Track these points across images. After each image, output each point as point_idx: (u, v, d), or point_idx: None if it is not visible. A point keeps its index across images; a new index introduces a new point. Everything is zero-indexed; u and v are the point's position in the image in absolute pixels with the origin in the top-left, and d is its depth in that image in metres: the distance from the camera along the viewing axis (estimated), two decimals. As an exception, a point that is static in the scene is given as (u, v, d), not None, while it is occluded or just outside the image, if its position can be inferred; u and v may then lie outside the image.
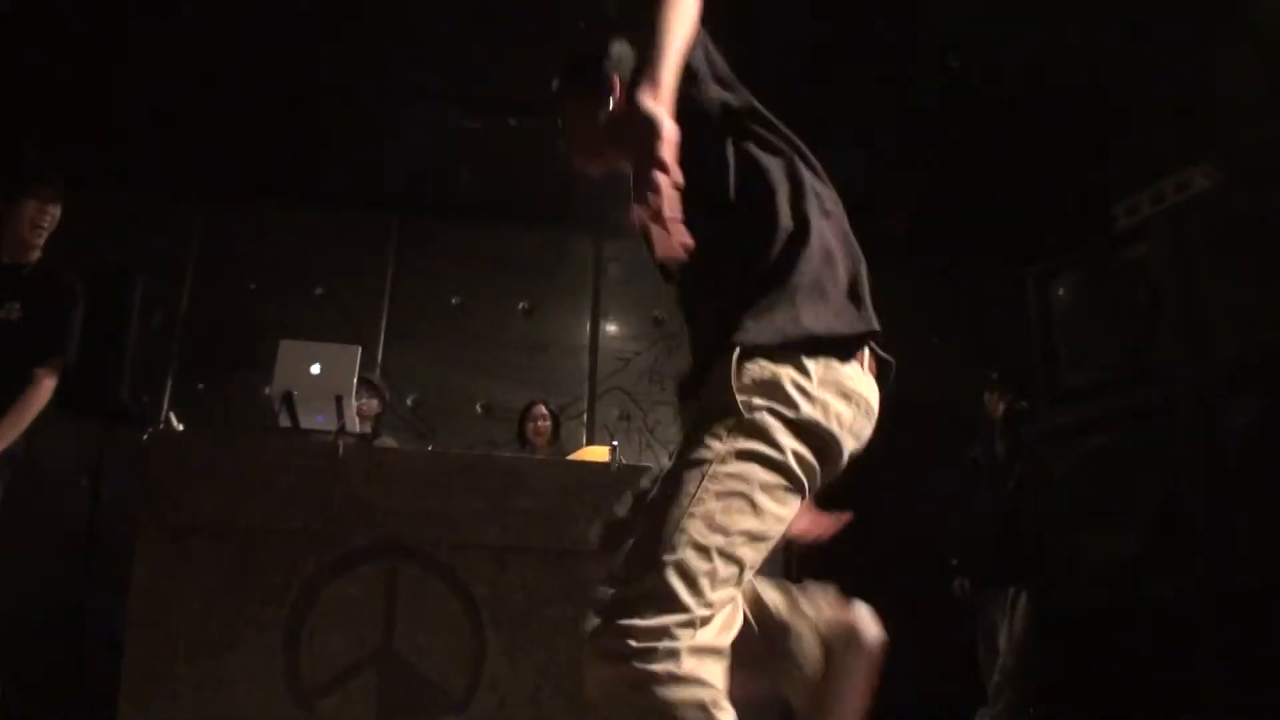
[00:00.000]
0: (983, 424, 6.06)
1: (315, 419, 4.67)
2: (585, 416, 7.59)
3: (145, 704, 4.03)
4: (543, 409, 6.52)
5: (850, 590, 6.80)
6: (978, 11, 5.49)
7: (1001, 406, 5.96)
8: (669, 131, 1.81)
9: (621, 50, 2.43)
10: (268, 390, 4.73)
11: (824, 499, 2.38)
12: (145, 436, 4.45)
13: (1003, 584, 5.64)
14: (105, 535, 5.55)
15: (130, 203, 7.23)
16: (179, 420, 4.57)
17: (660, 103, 1.85)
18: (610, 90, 2.42)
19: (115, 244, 7.05)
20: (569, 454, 6.32)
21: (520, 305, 7.76)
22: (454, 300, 7.65)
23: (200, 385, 7.11)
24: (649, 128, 1.81)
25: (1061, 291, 5.71)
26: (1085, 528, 5.17)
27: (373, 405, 6.06)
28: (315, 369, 4.69)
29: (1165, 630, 4.78)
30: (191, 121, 6.66)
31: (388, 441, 6.17)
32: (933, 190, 7.05)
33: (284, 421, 4.71)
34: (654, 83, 1.87)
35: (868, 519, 7.06)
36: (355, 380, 4.75)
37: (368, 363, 6.23)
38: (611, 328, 7.86)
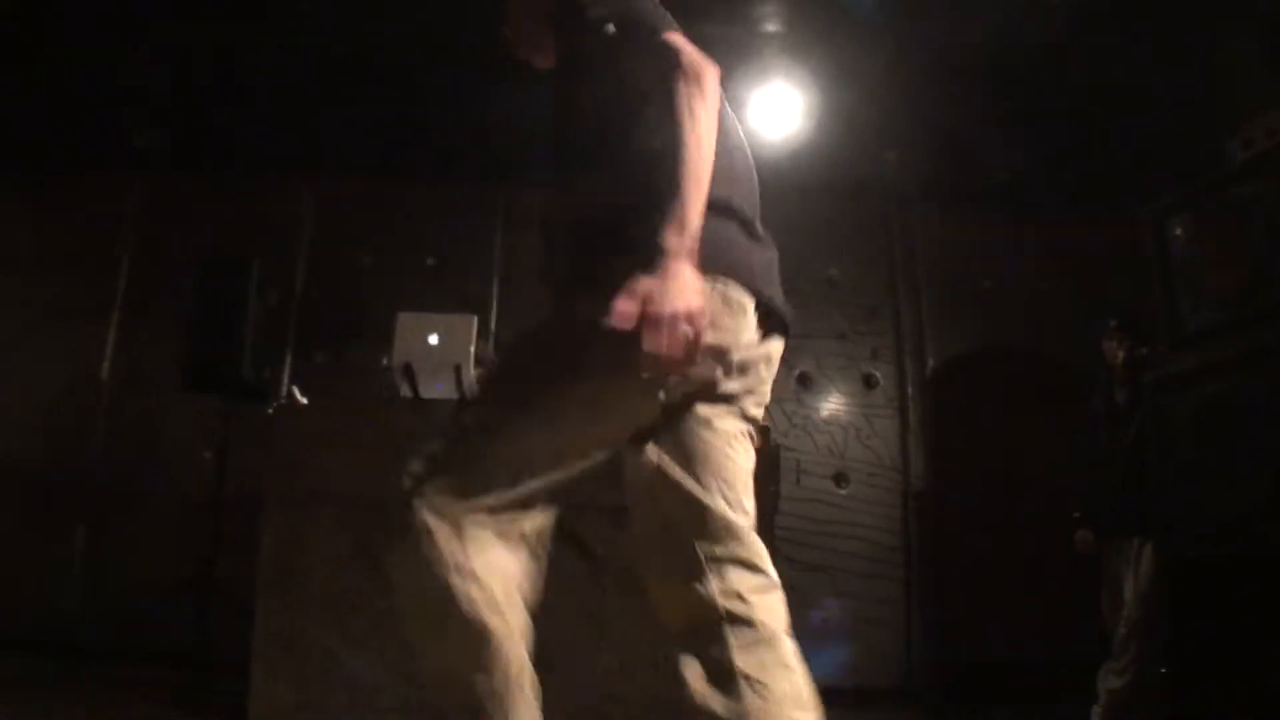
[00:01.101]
0: (1102, 372, 5.92)
1: (435, 388, 4.73)
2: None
3: (276, 668, 4.15)
4: None
5: (969, 546, 6.73)
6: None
7: (1121, 354, 5.81)
8: (696, 300, 1.87)
9: None
10: (386, 361, 4.81)
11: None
12: (271, 410, 4.55)
13: (1127, 535, 5.52)
14: (231, 507, 5.70)
15: (242, 182, 7.40)
16: (302, 393, 4.67)
17: (687, 253, 1.89)
18: None
19: (229, 224, 7.23)
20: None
21: (629, 268, 7.76)
22: (563, 266, 7.68)
23: (318, 359, 7.25)
24: (680, 290, 1.85)
25: (1178, 231, 5.54)
26: (1208, 475, 5.02)
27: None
28: (433, 339, 4.75)
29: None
30: (298, 100, 6.74)
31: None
32: (1040, 136, 6.89)
33: (405, 392, 4.78)
34: (681, 228, 1.91)
35: (987, 472, 7.00)
36: (472, 349, 4.80)
37: (480, 331, 6.28)
38: (720, 288, 7.82)
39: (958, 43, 5.99)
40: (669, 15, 2.20)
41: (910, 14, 5.84)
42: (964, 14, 5.78)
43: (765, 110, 6.58)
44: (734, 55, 6.23)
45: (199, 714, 4.90)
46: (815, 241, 7.85)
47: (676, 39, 2.10)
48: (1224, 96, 5.96)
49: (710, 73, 2.10)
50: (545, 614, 4.29)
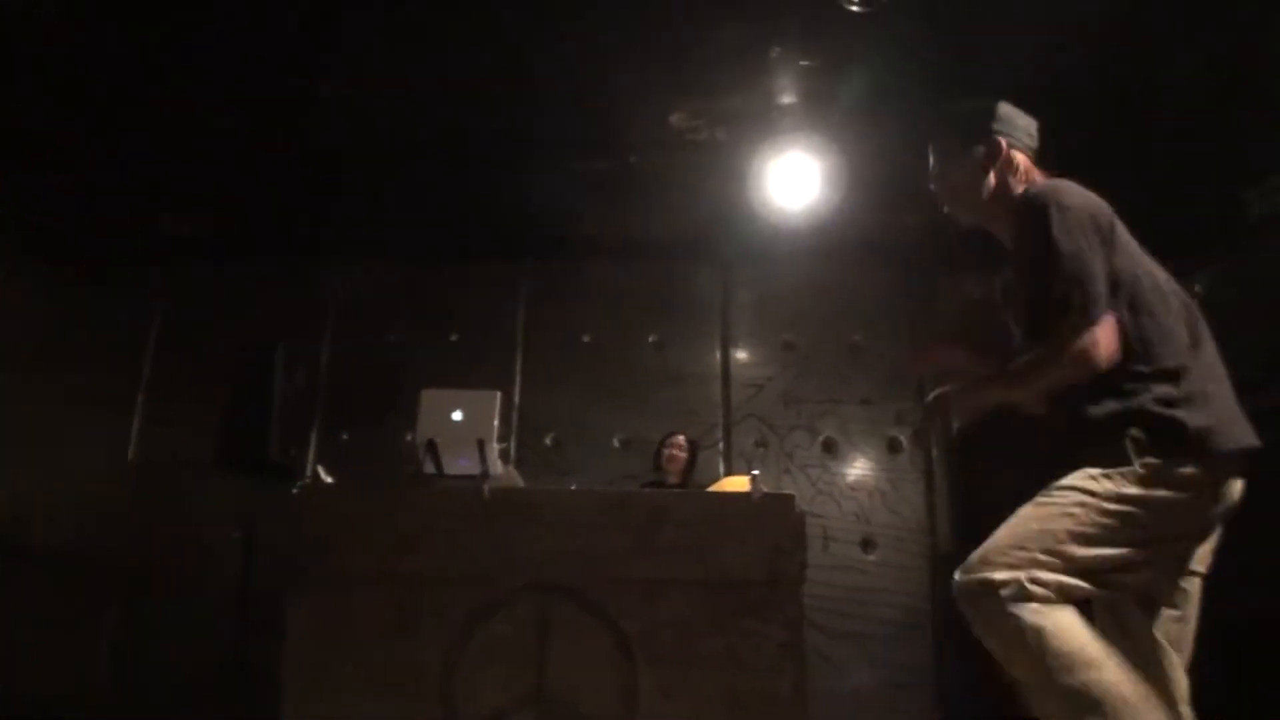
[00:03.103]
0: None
1: (459, 463, 4.73)
2: (721, 445, 7.59)
3: (307, 752, 4.13)
4: (681, 439, 6.57)
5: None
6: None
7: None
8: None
9: (1008, 113, 2.93)
10: (409, 437, 4.82)
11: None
12: (295, 490, 4.56)
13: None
14: (259, 588, 5.71)
15: (266, 266, 7.49)
16: (327, 472, 4.68)
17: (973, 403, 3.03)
18: (997, 151, 2.87)
19: (255, 307, 7.31)
20: (703, 486, 6.33)
21: (650, 338, 7.81)
22: (585, 338, 7.73)
23: (344, 436, 7.29)
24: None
25: (1197, 288, 5.53)
26: (1253, 531, 4.95)
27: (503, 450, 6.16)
28: (457, 415, 4.75)
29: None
30: (319, 184, 6.84)
31: (511, 474, 6.24)
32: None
33: (429, 468, 4.78)
34: (981, 392, 2.98)
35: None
36: (496, 423, 4.81)
37: (505, 405, 6.31)
38: (742, 355, 7.85)
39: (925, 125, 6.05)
40: (1101, 298, 2.59)
41: (930, 79, 5.89)
42: (982, 83, 5.82)
43: (785, 179, 6.61)
44: (754, 125, 6.30)
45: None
46: (839, 307, 7.89)
47: (1087, 338, 2.57)
48: (1242, 145, 5.98)
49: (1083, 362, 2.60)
50: (573, 694, 4.30)
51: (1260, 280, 5.29)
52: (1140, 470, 2.50)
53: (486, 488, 4.44)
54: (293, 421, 6.17)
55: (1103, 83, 5.89)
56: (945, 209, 3.06)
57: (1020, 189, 2.84)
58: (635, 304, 7.86)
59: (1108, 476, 2.54)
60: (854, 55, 5.79)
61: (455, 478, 4.75)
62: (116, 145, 6.44)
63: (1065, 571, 2.51)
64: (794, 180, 6.63)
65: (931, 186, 3.04)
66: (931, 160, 3.03)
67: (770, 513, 4.53)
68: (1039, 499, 2.66)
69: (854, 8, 5.22)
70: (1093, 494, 2.54)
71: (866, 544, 7.38)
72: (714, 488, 5.50)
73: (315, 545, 4.36)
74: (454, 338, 7.60)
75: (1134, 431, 2.53)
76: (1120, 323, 2.60)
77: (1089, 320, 2.53)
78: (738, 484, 4.99)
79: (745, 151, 6.49)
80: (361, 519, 4.38)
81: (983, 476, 7.47)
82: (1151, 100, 6.03)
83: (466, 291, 7.70)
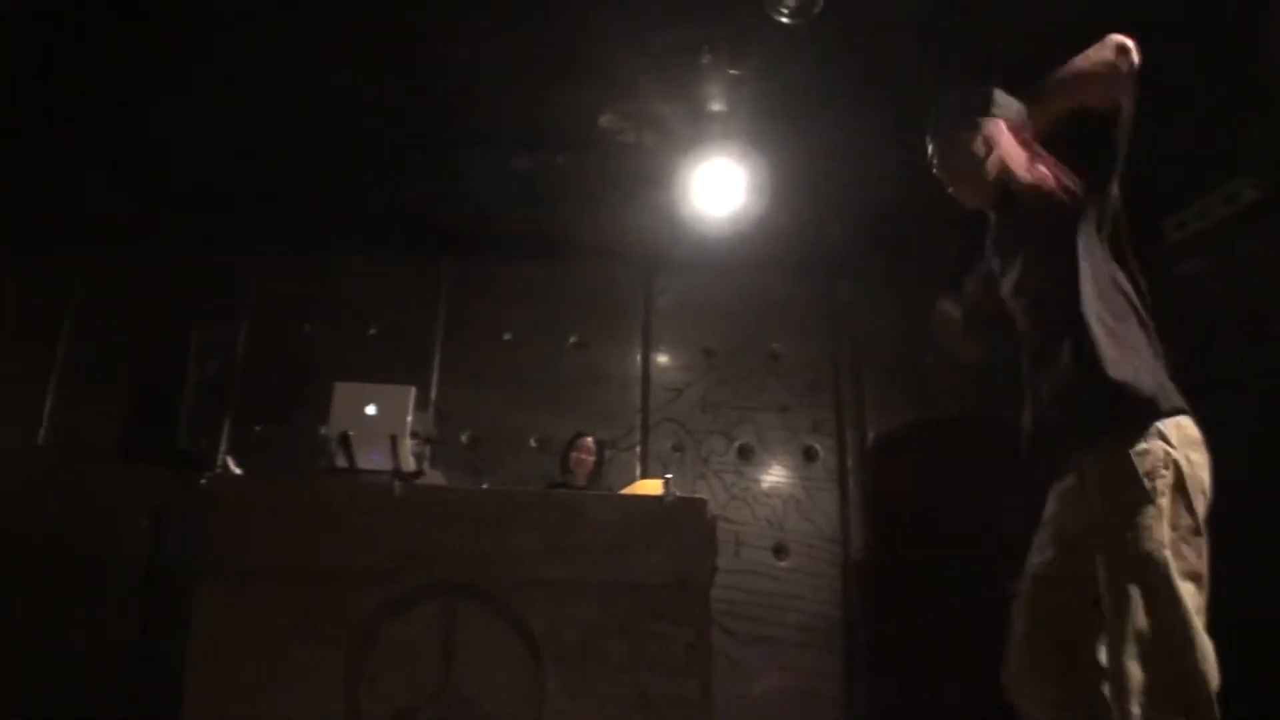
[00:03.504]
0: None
1: (371, 459, 4.70)
2: (639, 448, 7.60)
3: (207, 747, 4.07)
4: (589, 442, 6.55)
5: (908, 617, 6.72)
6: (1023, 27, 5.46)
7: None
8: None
9: (1005, 100, 3.04)
10: (323, 431, 4.78)
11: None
12: (203, 481, 4.50)
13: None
14: (165, 579, 5.62)
15: (184, 251, 7.35)
16: (236, 464, 4.63)
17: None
18: (998, 133, 2.99)
19: (173, 293, 7.18)
20: (614, 487, 6.33)
21: (572, 339, 7.80)
22: (506, 336, 7.70)
23: (257, 428, 7.19)
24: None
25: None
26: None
27: (422, 452, 6.11)
28: (370, 410, 4.73)
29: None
30: (243, 168, 6.75)
31: (436, 476, 6.20)
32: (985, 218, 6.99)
33: (341, 462, 4.75)
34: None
35: (926, 544, 7.02)
36: (410, 419, 4.79)
37: (421, 401, 6.26)
38: (662, 359, 7.87)
39: (907, 123, 6.10)
40: None
41: (857, 92, 5.95)
42: (913, 93, 5.89)
43: (711, 187, 6.63)
44: (680, 133, 6.32)
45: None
46: (759, 315, 7.95)
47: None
48: (1161, 174, 6.10)
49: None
50: (479, 694, 4.28)
51: (1170, 307, 5.41)
52: None
53: (397, 484, 4.41)
54: (205, 411, 6.09)
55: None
56: (950, 192, 3.14)
57: (1023, 170, 2.97)
58: (558, 304, 7.85)
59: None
60: (783, 66, 5.82)
61: (367, 472, 4.72)
62: (33, 125, 6.31)
63: None
64: (720, 188, 6.65)
65: (935, 173, 3.13)
66: (931, 149, 3.12)
67: (682, 516, 4.55)
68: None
69: (784, 19, 5.25)
70: None
71: (779, 550, 7.42)
72: (628, 490, 5.51)
73: (222, 537, 4.30)
74: (373, 331, 7.53)
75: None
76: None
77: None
78: (651, 487, 5.00)
79: (673, 157, 6.50)
80: (269, 512, 4.33)
81: (896, 486, 7.56)
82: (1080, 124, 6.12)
83: (387, 285, 7.63)
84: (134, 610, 5.70)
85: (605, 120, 6.33)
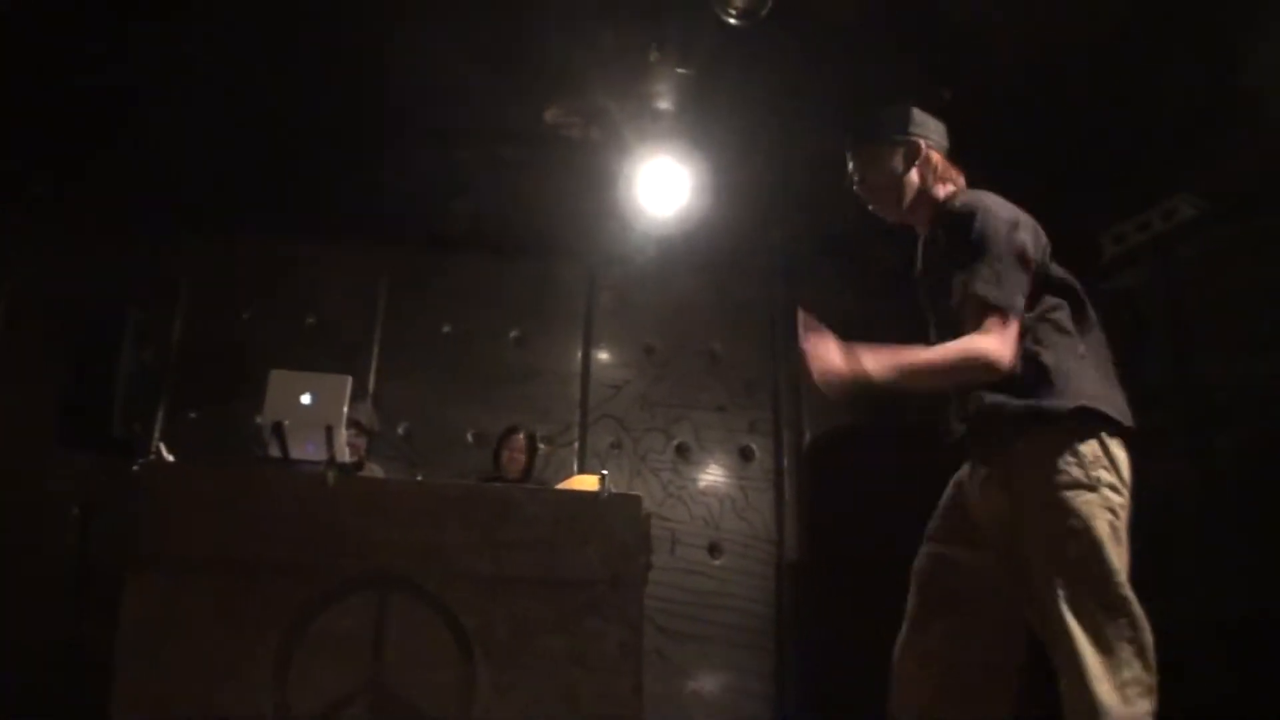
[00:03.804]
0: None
1: (305, 449, 4.67)
2: (576, 444, 7.60)
3: (136, 738, 4.03)
4: (520, 439, 6.52)
5: (842, 618, 6.74)
6: (969, 42, 5.51)
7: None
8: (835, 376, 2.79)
9: (923, 119, 3.12)
10: (259, 420, 4.74)
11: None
12: (135, 468, 4.46)
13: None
14: (97, 567, 5.53)
15: (122, 234, 7.24)
16: (169, 451, 4.58)
17: (873, 371, 2.79)
18: (916, 152, 3.05)
19: (108, 275, 7.06)
20: (550, 483, 6.32)
21: (512, 334, 7.78)
22: (445, 329, 7.66)
23: (192, 415, 7.11)
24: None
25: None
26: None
27: (360, 444, 6.08)
28: (306, 399, 4.69)
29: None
30: (184, 154, 6.66)
31: (374, 470, 6.17)
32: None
33: (274, 451, 4.71)
34: (886, 370, 2.79)
35: (862, 545, 7.08)
36: (345, 410, 4.76)
37: (359, 392, 6.22)
38: (603, 355, 7.87)
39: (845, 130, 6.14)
40: (1019, 300, 2.77)
41: (802, 96, 5.97)
42: (860, 98, 5.93)
43: (654, 184, 6.65)
44: (626, 130, 6.32)
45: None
46: (701, 315, 7.98)
47: (998, 338, 2.69)
48: (1102, 189, 6.18)
49: (997, 364, 2.69)
50: (409, 688, 4.27)
51: (1103, 320, 5.48)
52: None
53: (331, 474, 4.38)
54: (139, 396, 5.99)
55: (984, 120, 6.00)
56: (870, 208, 3.20)
57: (941, 188, 3.04)
58: (499, 298, 7.82)
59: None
60: (730, 68, 5.84)
61: (302, 462, 4.69)
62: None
63: None
64: (664, 187, 6.67)
65: (854, 188, 3.18)
66: (851, 164, 3.17)
67: (617, 513, 4.57)
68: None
69: (732, 20, 5.26)
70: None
71: (714, 549, 7.45)
72: (563, 485, 5.52)
73: (153, 526, 4.26)
74: (311, 320, 7.46)
75: None
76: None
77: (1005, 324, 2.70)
78: (587, 482, 5.01)
79: (618, 154, 6.50)
80: (201, 500, 4.30)
81: (831, 488, 7.62)
82: (1023, 137, 6.20)
83: (327, 275, 7.56)
84: (64, 600, 5.60)
85: (551, 115, 6.31)
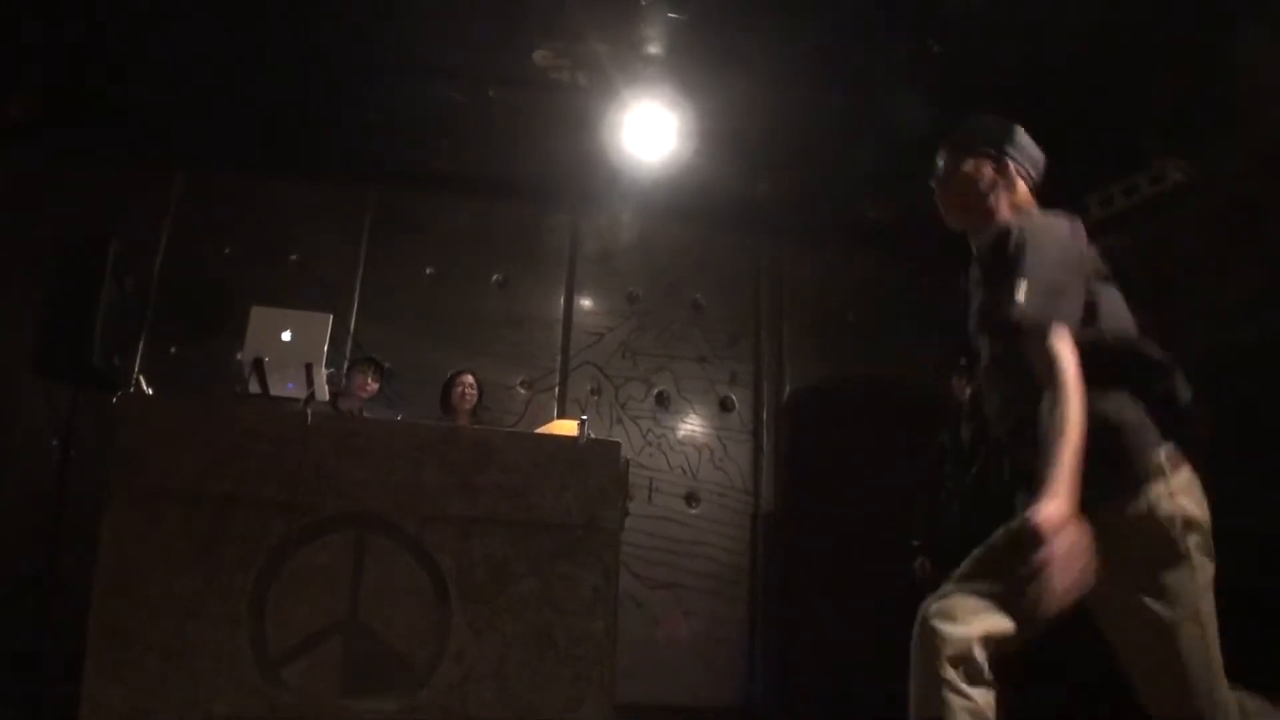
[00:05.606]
0: (950, 409, 6.07)
1: (285, 386, 4.67)
2: (557, 390, 7.61)
3: (111, 670, 4.04)
4: (469, 379, 6.47)
5: (815, 568, 6.80)
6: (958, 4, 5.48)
7: (968, 391, 5.96)
8: (1060, 548, 2.28)
9: (1025, 143, 3.06)
10: (239, 356, 4.73)
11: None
12: (115, 400, 4.44)
13: (964, 567, 5.64)
14: (75, 499, 5.50)
15: (107, 167, 7.18)
16: (149, 384, 4.57)
17: (1062, 514, 2.31)
18: (1004, 172, 2.99)
19: (91, 207, 7.01)
20: (529, 428, 6.32)
21: (495, 278, 7.76)
22: (428, 271, 7.64)
23: (173, 349, 7.08)
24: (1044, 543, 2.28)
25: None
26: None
27: (374, 388, 6.10)
28: (286, 336, 4.69)
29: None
30: (170, 88, 6.60)
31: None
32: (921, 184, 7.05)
33: (254, 388, 4.71)
34: (1055, 494, 2.34)
35: (836, 497, 7.11)
36: (325, 348, 4.75)
37: (340, 332, 6.20)
38: (586, 303, 7.86)
39: (844, 86, 6.13)
40: (1067, 310, 2.65)
41: (795, 48, 5.94)
42: (854, 63, 5.91)
43: (642, 131, 6.62)
44: (615, 74, 6.27)
45: (29, 718, 4.74)
46: (684, 265, 7.97)
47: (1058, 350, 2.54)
48: (1089, 151, 6.17)
49: (1068, 383, 2.49)
50: (384, 626, 4.29)
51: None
52: None
53: (309, 411, 4.38)
54: (119, 329, 5.95)
55: (975, 74, 5.99)
56: (940, 208, 3.13)
57: (1010, 215, 2.94)
58: (482, 241, 7.79)
59: None
60: (723, 14, 5.79)
61: (280, 399, 4.69)
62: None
63: None
64: (651, 133, 6.64)
65: (933, 185, 3.13)
66: (940, 161, 3.12)
67: (595, 458, 4.58)
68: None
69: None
70: None
71: (691, 498, 7.49)
72: (543, 429, 5.52)
73: (131, 458, 4.26)
74: (294, 258, 7.42)
75: None
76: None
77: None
78: (566, 428, 5.03)
79: (606, 99, 6.46)
80: (179, 434, 4.29)
81: (808, 440, 7.66)
82: (1013, 97, 6.18)
83: (312, 213, 7.52)
84: (44, 530, 5.58)
85: (540, 56, 6.26)
